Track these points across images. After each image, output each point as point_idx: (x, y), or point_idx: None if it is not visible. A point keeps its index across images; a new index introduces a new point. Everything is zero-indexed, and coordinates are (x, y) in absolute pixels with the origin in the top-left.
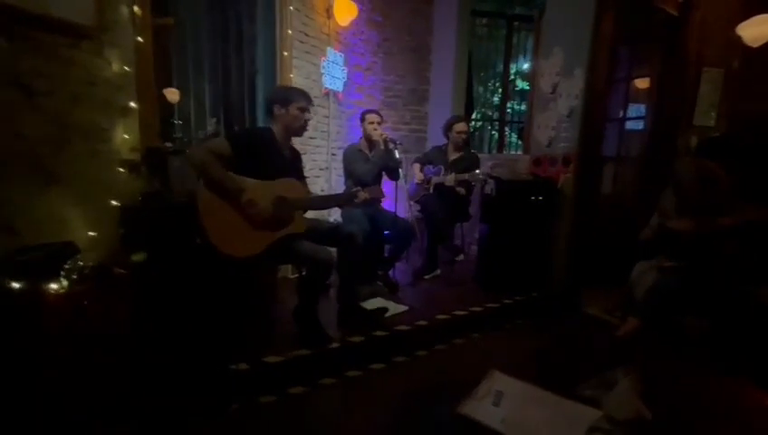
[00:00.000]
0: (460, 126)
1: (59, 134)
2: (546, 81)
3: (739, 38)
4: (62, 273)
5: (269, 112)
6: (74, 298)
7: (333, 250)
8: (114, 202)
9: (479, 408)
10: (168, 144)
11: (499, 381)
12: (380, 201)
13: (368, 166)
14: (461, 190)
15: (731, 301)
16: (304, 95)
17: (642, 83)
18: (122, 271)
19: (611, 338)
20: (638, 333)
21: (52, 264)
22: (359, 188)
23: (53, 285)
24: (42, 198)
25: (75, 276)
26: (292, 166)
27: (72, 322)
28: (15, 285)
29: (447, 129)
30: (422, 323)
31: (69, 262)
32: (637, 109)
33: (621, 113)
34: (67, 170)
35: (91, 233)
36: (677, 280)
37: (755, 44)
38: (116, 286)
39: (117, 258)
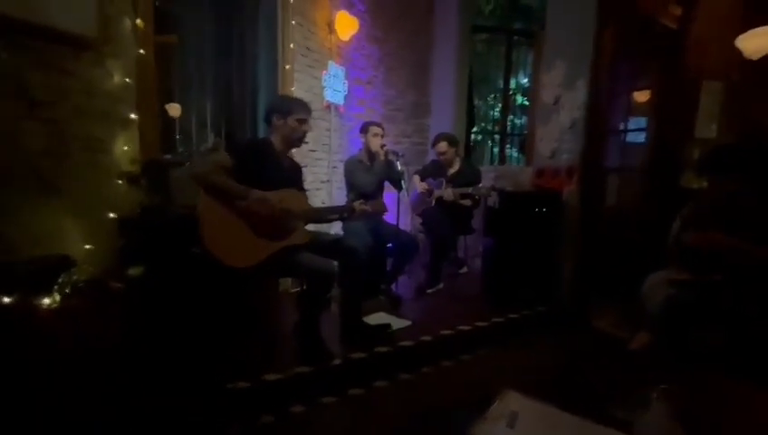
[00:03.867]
0: (440, 146)
1: (59, 145)
2: (548, 93)
3: (738, 50)
4: (55, 287)
5: (268, 122)
6: (67, 313)
7: (335, 263)
8: (112, 214)
9: (492, 430)
10: (169, 156)
11: (513, 401)
12: (382, 215)
13: (369, 177)
14: (466, 202)
15: (752, 312)
16: (304, 106)
17: (643, 96)
18: (119, 285)
19: (626, 354)
20: (650, 348)
21: (44, 278)
22: (360, 201)
23: (45, 300)
24: (39, 210)
25: (68, 290)
26: (292, 177)
27: (63, 337)
28: (5, 299)
29: (433, 147)
30: (426, 338)
31: (63, 276)
32: (638, 121)
33: (623, 125)
34: (66, 182)
35: (87, 246)
36: (691, 293)
37: (755, 57)
38: (111, 301)
39: (114, 272)
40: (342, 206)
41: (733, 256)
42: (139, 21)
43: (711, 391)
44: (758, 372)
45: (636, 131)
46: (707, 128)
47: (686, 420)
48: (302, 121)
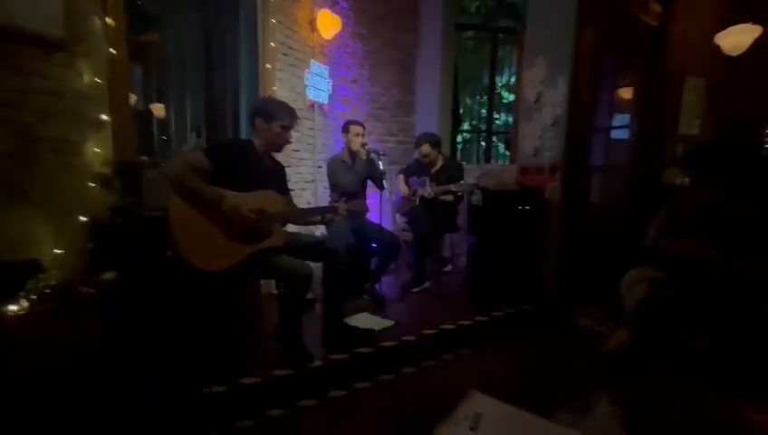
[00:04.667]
0: (423, 149)
1: (26, 148)
2: (530, 90)
3: (719, 47)
4: (21, 293)
5: (251, 122)
6: (34, 319)
7: (318, 265)
8: (83, 218)
9: (455, 432)
10: (145, 158)
11: (478, 402)
12: (364, 214)
13: (350, 176)
14: (448, 197)
15: (736, 315)
16: (289, 113)
17: (626, 93)
18: (89, 290)
19: (600, 354)
20: (627, 348)
21: (11, 283)
22: (340, 201)
23: (12, 306)
24: (7, 214)
25: (35, 296)
26: (274, 178)
27: (31, 344)
28: None
29: (416, 148)
30: (409, 338)
31: (30, 281)
32: (621, 118)
33: (606, 123)
34: (35, 185)
35: (57, 250)
36: (669, 292)
37: (734, 53)
38: (82, 306)
39: (84, 276)
40: (322, 207)
41: (705, 264)
42: (109, 19)
43: (667, 392)
44: (729, 373)
45: (619, 129)
46: (691, 124)
47: (631, 423)
48: (286, 128)
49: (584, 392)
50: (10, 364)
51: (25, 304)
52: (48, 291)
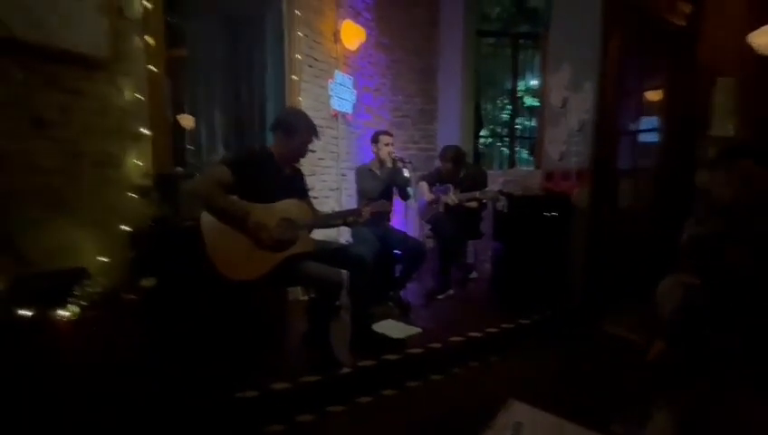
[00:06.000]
0: (446, 166)
1: (72, 163)
2: (556, 95)
3: (751, 47)
4: (71, 299)
5: (273, 132)
6: (83, 325)
7: (343, 272)
8: (125, 227)
9: None
10: (180, 169)
11: (518, 411)
12: (388, 216)
13: (375, 182)
14: (472, 204)
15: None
16: (311, 128)
17: (654, 95)
18: (132, 296)
19: (638, 362)
20: (665, 355)
21: (61, 290)
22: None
23: (63, 312)
24: (54, 225)
25: (85, 303)
26: (294, 185)
27: (81, 348)
28: (25, 312)
29: (440, 160)
30: (436, 345)
31: (78, 288)
32: (650, 121)
33: (634, 126)
34: (80, 198)
35: (101, 258)
36: (704, 297)
37: None
38: (125, 312)
39: (127, 284)
40: (347, 210)
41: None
42: (148, 38)
43: (720, 400)
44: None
45: (648, 132)
46: (723, 125)
47: (686, 429)
48: (306, 143)
49: (627, 407)
50: (63, 368)
51: (76, 310)
52: (95, 298)
